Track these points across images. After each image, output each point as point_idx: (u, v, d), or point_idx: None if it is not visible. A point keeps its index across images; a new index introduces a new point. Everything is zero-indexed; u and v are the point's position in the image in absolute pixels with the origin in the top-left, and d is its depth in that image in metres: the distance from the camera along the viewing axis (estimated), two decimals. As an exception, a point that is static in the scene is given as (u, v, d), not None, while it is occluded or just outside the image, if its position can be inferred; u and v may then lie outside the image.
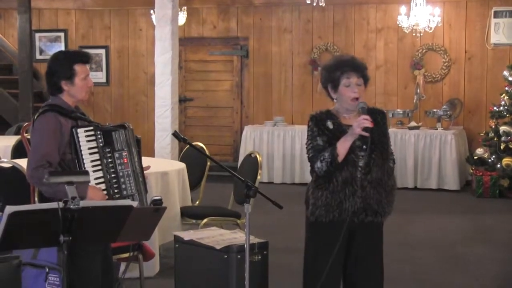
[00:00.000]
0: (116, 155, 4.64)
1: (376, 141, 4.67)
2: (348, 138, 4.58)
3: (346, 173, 4.62)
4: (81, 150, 4.57)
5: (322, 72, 4.86)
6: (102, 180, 4.62)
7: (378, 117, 4.78)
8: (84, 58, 4.80)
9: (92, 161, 4.60)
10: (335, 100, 4.80)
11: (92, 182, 4.53)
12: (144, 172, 4.89)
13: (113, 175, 4.62)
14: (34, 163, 4.54)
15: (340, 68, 4.72)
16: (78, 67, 4.73)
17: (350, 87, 4.69)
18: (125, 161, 4.65)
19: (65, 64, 4.73)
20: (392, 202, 4.80)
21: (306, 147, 4.76)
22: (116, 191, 4.62)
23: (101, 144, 4.63)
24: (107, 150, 4.63)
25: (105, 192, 4.60)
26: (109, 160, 4.63)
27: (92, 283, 4.61)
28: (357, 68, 4.74)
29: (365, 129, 4.50)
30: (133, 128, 4.85)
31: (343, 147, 4.57)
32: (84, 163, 4.57)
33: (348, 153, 4.59)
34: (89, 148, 4.60)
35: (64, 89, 4.73)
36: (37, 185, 4.69)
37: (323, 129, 4.69)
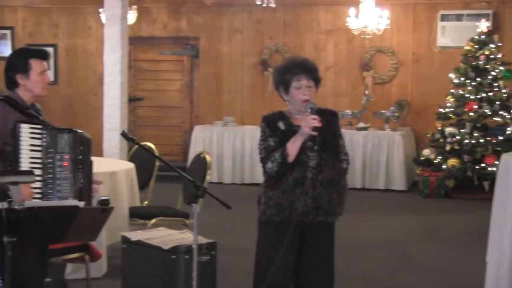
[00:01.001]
0: (58, 157, 4.61)
1: (328, 142, 4.70)
2: (298, 138, 4.61)
3: (297, 173, 4.65)
4: (20, 145, 4.55)
5: (274, 74, 4.88)
6: (39, 178, 4.58)
7: (330, 118, 4.82)
8: (40, 54, 4.88)
9: (31, 157, 4.56)
10: (287, 102, 4.82)
11: None
12: (96, 185, 4.84)
13: (50, 176, 4.58)
14: None
15: (291, 71, 4.74)
16: (33, 62, 4.79)
17: (301, 89, 4.71)
18: (65, 164, 4.62)
19: (21, 58, 4.83)
20: (344, 202, 4.84)
21: (258, 148, 4.79)
22: (50, 191, 4.59)
23: (44, 144, 4.61)
24: (50, 150, 4.60)
25: (39, 190, 4.56)
26: (49, 160, 4.60)
27: (28, 282, 4.57)
28: (308, 70, 4.76)
29: (314, 128, 4.54)
30: (87, 136, 4.80)
31: (293, 147, 4.60)
32: (21, 159, 4.54)
33: (299, 153, 4.62)
34: (31, 145, 4.58)
35: (20, 83, 4.79)
36: None
37: (275, 130, 4.72)
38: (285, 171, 4.64)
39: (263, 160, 4.72)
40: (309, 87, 4.73)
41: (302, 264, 4.83)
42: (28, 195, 4.47)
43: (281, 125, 4.73)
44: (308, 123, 4.55)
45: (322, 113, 4.73)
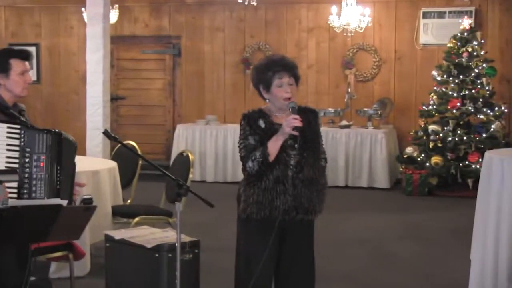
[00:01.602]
0: (34, 157, 4.58)
1: (308, 140, 4.69)
2: (279, 138, 4.60)
3: (278, 172, 4.63)
4: None
5: (253, 73, 4.86)
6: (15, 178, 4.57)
7: (310, 116, 4.79)
8: (21, 55, 4.86)
9: (8, 157, 4.53)
10: (267, 100, 4.80)
11: None
12: (79, 187, 4.81)
13: (26, 176, 4.55)
14: None
15: (272, 68, 4.72)
16: (14, 62, 4.78)
17: (283, 87, 4.69)
18: (42, 165, 4.58)
19: (1, 58, 4.82)
20: (323, 201, 4.83)
21: (239, 146, 4.76)
22: (25, 191, 4.56)
23: (22, 144, 4.58)
24: (27, 150, 4.58)
25: (15, 190, 4.53)
26: (26, 160, 4.57)
27: (8, 281, 4.55)
28: (288, 67, 4.74)
29: (295, 128, 4.53)
30: (69, 138, 4.76)
31: (274, 146, 4.59)
32: None
33: (280, 152, 4.61)
34: (8, 145, 4.55)
35: (0, 83, 4.76)
36: None
37: (255, 128, 4.69)
38: (266, 170, 4.63)
39: (244, 159, 4.70)
40: (290, 85, 4.72)
41: (283, 262, 4.82)
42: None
43: (262, 124, 4.71)
44: (289, 122, 4.53)
45: (302, 111, 4.72)
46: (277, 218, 4.63)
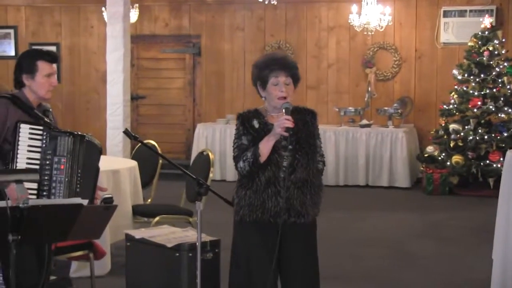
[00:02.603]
0: (55, 159, 4.60)
1: (302, 141, 4.61)
2: (271, 138, 4.51)
3: (269, 173, 4.53)
4: (18, 145, 4.54)
5: (253, 70, 4.78)
6: None
7: (307, 117, 4.70)
8: (48, 57, 4.92)
9: (28, 158, 4.56)
10: (263, 99, 4.75)
11: None
12: (101, 191, 4.81)
13: (46, 177, 4.57)
14: None
15: (269, 67, 4.61)
16: (40, 64, 4.84)
17: (278, 86, 4.59)
18: (62, 167, 4.60)
19: (28, 59, 4.88)
20: (318, 203, 4.70)
21: (232, 146, 4.70)
22: (45, 193, 4.57)
23: (44, 145, 4.60)
24: (48, 152, 4.59)
25: (35, 191, 4.53)
26: (47, 162, 4.59)
27: (26, 277, 4.56)
28: (287, 67, 4.63)
29: (287, 129, 4.46)
30: (94, 142, 4.76)
31: (265, 147, 4.50)
32: (17, 158, 4.53)
33: (272, 153, 4.52)
34: (30, 146, 4.57)
35: (25, 84, 4.83)
36: None
37: (249, 128, 4.62)
38: (257, 171, 4.55)
39: (235, 159, 4.62)
40: (287, 85, 4.61)
41: (283, 265, 4.71)
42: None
43: (255, 124, 4.62)
44: (281, 123, 4.44)
45: (299, 112, 4.65)
46: (280, 228, 4.51)
